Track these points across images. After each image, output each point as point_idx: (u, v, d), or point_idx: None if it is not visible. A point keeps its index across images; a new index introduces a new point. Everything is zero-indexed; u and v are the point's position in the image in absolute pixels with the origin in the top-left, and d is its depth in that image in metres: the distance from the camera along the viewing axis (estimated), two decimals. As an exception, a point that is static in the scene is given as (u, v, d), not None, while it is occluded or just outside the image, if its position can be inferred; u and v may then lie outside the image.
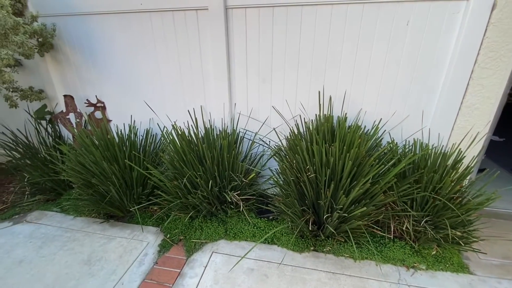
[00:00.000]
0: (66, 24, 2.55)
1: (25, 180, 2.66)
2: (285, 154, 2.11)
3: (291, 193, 1.89)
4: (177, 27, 2.27)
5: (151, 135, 2.62)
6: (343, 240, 1.94)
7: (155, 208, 2.60)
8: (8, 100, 2.51)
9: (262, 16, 2.08)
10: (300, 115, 2.26)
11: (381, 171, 1.76)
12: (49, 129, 2.87)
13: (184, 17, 2.22)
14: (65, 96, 2.65)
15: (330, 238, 1.99)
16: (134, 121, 2.67)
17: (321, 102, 2.16)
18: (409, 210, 1.78)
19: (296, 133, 2.04)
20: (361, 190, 1.58)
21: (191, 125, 2.46)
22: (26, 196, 2.76)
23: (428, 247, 1.87)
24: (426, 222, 1.75)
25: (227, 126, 2.42)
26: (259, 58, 2.21)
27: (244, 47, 2.20)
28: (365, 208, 1.56)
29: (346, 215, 1.65)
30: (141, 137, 2.61)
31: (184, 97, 2.52)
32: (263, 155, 2.40)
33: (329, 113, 2.13)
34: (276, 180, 2.16)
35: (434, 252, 1.82)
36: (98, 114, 2.78)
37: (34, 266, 1.97)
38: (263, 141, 2.43)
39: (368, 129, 2.12)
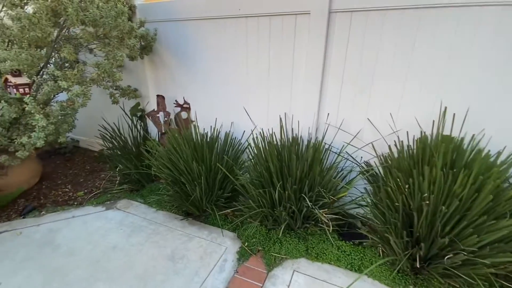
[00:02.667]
0: (164, 29, 2.73)
1: (117, 169, 2.91)
2: (384, 174, 1.87)
3: (394, 221, 1.65)
4: (272, 32, 2.23)
5: (231, 139, 2.63)
6: (458, 286, 1.62)
7: (229, 211, 2.60)
8: (112, 97, 2.78)
9: (370, 21, 1.90)
10: (407, 132, 1.99)
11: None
12: (139, 126, 3.12)
13: (281, 21, 2.17)
14: (157, 96, 2.84)
15: (435, 279, 1.69)
16: (221, 124, 2.72)
17: (439, 119, 1.86)
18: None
19: (406, 152, 1.79)
20: (506, 231, 1.28)
21: (275, 132, 2.38)
22: (116, 184, 3.02)
23: None
24: None
25: (316, 137, 2.28)
26: (360, 67, 2.02)
27: (344, 55, 2.05)
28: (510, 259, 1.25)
29: (478, 259, 1.35)
30: (221, 140, 2.64)
31: (269, 102, 2.47)
32: (351, 171, 2.19)
33: (443, 131, 1.83)
34: (369, 202, 1.94)
35: None
36: (183, 115, 2.92)
37: (126, 254, 2.09)
38: (352, 156, 2.22)
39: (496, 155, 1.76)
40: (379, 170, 2.02)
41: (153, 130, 3.17)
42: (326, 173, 1.95)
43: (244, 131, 2.67)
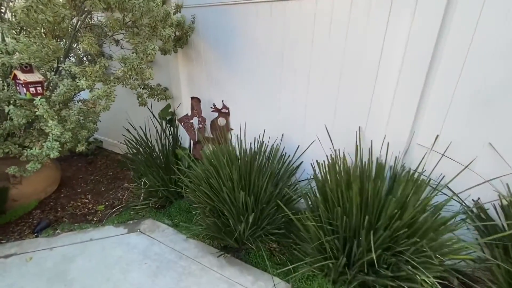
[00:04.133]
0: (204, 15, 2.22)
1: (142, 183, 2.49)
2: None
3: None
4: (353, 16, 1.63)
5: (282, 156, 2.10)
6: None
7: (274, 246, 2.09)
8: (140, 97, 2.34)
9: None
10: None
11: None
12: (168, 131, 2.66)
13: None
14: (192, 98, 2.36)
15: None
16: (270, 137, 2.18)
17: None
18: None
19: None
20: None
21: (345, 153, 1.80)
22: (140, 198, 2.60)
23: None
24: None
25: (402, 162, 1.68)
26: (495, 62, 1.38)
27: (467, 43, 1.40)
28: None
29: None
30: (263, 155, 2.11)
31: (336, 112, 1.89)
32: (457, 214, 1.57)
33: None
34: (495, 269, 1.33)
35: None
36: (221, 121, 2.42)
37: (151, 304, 1.65)
38: (459, 197, 1.60)
39: None
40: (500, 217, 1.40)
41: (184, 136, 2.70)
42: (441, 226, 1.35)
43: (299, 146, 2.12)
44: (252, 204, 1.70)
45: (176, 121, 2.60)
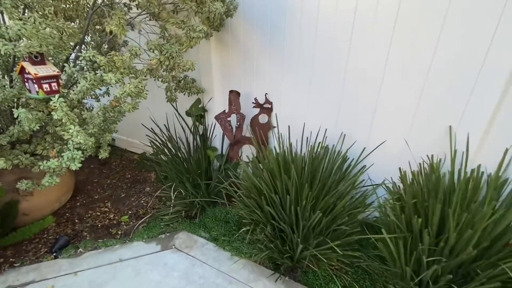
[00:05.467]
0: (245, -9, 1.84)
1: (172, 193, 2.16)
2: None
3: None
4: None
5: (344, 159, 1.77)
6: None
7: (333, 263, 1.81)
8: (168, 91, 1.98)
9: None
10: None
11: None
12: (197, 131, 2.31)
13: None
14: (231, 92, 2.00)
15: None
16: (326, 137, 1.85)
17: None
18: None
19: None
20: None
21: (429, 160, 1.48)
22: (168, 206, 2.28)
23: None
24: None
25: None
26: None
27: None
28: None
29: None
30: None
31: (418, 105, 1.55)
32: None
33: None
34: None
35: None
36: (262, 118, 2.07)
37: None
38: None
39: None
40: None
41: (215, 133, 2.36)
42: None
43: (364, 148, 1.79)
44: (324, 224, 1.39)
45: (207, 118, 2.25)
